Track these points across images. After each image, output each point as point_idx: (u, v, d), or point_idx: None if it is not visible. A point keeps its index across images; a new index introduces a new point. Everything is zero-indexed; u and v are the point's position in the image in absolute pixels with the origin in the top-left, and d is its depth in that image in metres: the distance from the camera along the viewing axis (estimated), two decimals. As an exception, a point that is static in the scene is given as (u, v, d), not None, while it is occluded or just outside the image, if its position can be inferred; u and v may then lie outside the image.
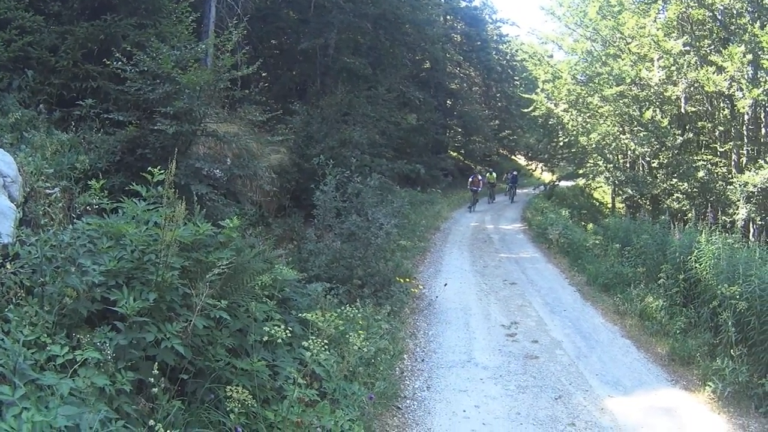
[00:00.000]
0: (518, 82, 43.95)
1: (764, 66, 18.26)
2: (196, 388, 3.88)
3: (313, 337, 3.95)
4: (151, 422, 2.99)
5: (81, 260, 3.77)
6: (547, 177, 42.96)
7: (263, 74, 16.17)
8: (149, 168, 4.18)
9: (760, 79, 18.91)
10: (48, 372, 3.00)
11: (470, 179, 25.99)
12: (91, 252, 3.92)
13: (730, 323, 7.29)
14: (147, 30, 9.39)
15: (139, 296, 3.55)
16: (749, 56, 18.42)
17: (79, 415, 2.82)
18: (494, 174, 32.26)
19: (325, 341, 4.12)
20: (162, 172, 4.07)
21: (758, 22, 18.75)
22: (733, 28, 20.80)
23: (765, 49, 18.05)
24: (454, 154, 41.10)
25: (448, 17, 37.46)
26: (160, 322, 3.61)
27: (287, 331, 4.01)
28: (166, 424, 3.16)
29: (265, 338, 4.06)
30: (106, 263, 3.75)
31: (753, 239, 14.83)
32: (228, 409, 3.59)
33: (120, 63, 8.05)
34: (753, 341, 7.13)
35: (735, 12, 20.80)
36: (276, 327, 3.99)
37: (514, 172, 34.65)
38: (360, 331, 6.16)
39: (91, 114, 8.28)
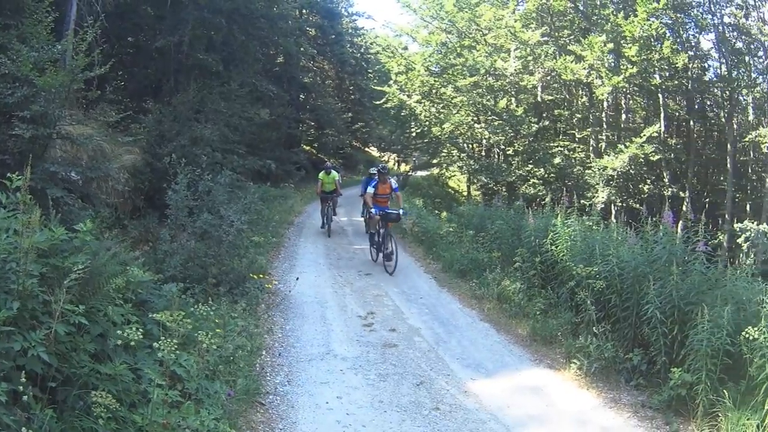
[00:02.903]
0: (372, 75, 44.55)
1: (626, 54, 19.62)
2: (66, 395, 3.86)
3: (163, 338, 4.00)
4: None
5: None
6: (401, 167, 43.90)
7: (120, 73, 15.66)
8: (8, 174, 4.11)
9: (622, 67, 20.33)
10: None
11: (368, 189, 13.72)
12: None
13: (589, 302, 7.69)
14: (10, 31, 8.94)
15: (3, 305, 3.51)
16: (610, 45, 19.68)
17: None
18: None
19: (179, 342, 4.18)
20: (20, 177, 4.03)
21: (622, 12, 20.05)
22: (595, 18, 22.08)
23: (627, 38, 19.41)
24: (308, 147, 41.09)
25: (304, 11, 37.36)
26: (25, 330, 3.58)
27: (141, 333, 4.01)
28: (40, 434, 3.19)
29: (124, 342, 4.05)
30: (-33, 274, 3.67)
31: (615, 220, 15.70)
32: (95, 414, 3.61)
33: (-19, 67, 7.67)
34: (616, 318, 7.52)
35: (598, 3, 22.13)
36: (129, 330, 3.99)
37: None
38: (217, 330, 6.31)
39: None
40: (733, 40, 21.25)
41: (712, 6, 20.76)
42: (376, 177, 14.07)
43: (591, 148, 23.13)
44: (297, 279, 10.96)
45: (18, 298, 3.64)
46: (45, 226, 4.34)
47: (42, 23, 9.28)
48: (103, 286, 4.51)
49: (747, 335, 5.38)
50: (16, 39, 8.49)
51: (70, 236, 4.49)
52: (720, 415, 5.50)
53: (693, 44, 22.22)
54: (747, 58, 21.27)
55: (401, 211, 13.34)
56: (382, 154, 52.61)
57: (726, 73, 21.38)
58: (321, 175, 18.15)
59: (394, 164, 47.44)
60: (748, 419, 5.21)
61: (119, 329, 4.16)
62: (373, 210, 13.39)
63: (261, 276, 10.21)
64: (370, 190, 13.54)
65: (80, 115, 11.20)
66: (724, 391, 5.50)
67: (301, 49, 33.31)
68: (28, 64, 7.86)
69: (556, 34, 23.51)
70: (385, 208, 13.44)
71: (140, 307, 5.38)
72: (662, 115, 23.04)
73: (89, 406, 3.74)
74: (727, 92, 21.48)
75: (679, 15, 20.98)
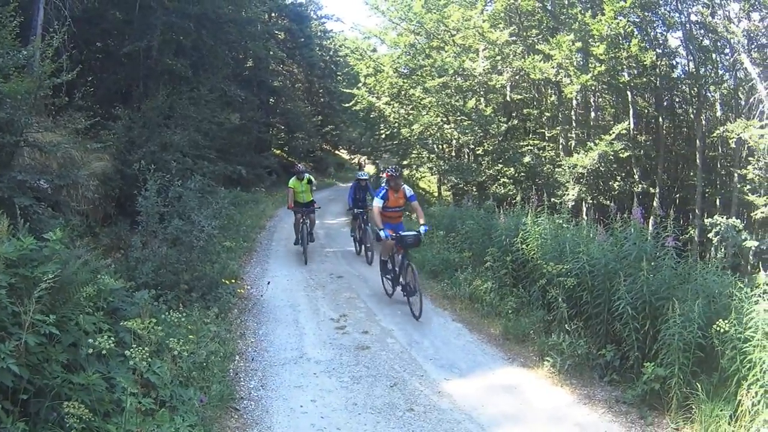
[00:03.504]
0: (341, 78, 44.57)
1: (594, 53, 19.81)
2: (39, 407, 3.84)
3: (135, 346, 4.00)
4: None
5: None
6: (371, 169, 43.91)
7: (89, 79, 15.44)
8: (-27, 185, 4.08)
9: (590, 65, 20.52)
10: None
11: (375, 200, 10.28)
12: None
13: (560, 299, 7.76)
14: (-27, 37, 8.81)
15: (-30, 318, 3.49)
16: (578, 44, 19.84)
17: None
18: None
19: (152, 349, 4.18)
20: (-14, 188, 4.00)
21: (590, 11, 20.24)
22: (563, 17, 22.24)
23: (595, 36, 19.60)
24: (278, 151, 41.04)
25: (273, 14, 37.30)
26: (-6, 343, 3.56)
27: (113, 342, 4.01)
28: (13, 448, 3.17)
29: (96, 351, 4.03)
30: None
31: (586, 218, 15.79)
32: (68, 426, 3.59)
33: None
34: (588, 315, 7.57)
35: (566, 2, 22.32)
36: (99, 339, 3.98)
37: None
38: (190, 336, 6.29)
39: None
40: (700, 38, 21.57)
41: (679, 4, 21.02)
42: (385, 184, 10.30)
43: (561, 146, 23.28)
44: (269, 283, 10.93)
45: (-13, 309, 3.61)
46: (13, 236, 4.30)
47: (6, 28, 9.16)
48: (74, 294, 4.49)
49: (718, 328, 5.49)
50: (-20, 45, 8.38)
51: (39, 245, 4.46)
52: (693, 407, 5.60)
53: (661, 42, 22.52)
54: (714, 56, 21.60)
55: (423, 230, 9.91)
56: (353, 156, 52.65)
57: (694, 70, 21.70)
58: (292, 182, 14.56)
59: (365, 165, 47.46)
60: (721, 410, 5.32)
61: (91, 338, 4.12)
62: (382, 233, 9.75)
63: (233, 281, 10.19)
64: (378, 202, 9.96)
65: (48, 122, 11.07)
66: (697, 383, 5.61)
67: (270, 52, 33.31)
68: (-8, 71, 7.78)
69: (525, 33, 23.66)
70: (399, 226, 10.47)
71: (112, 315, 5.36)
72: (631, 112, 23.27)
73: (62, 418, 3.72)
74: (695, 89, 21.78)
75: (646, 13, 21.23)
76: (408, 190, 10.41)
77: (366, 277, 12.33)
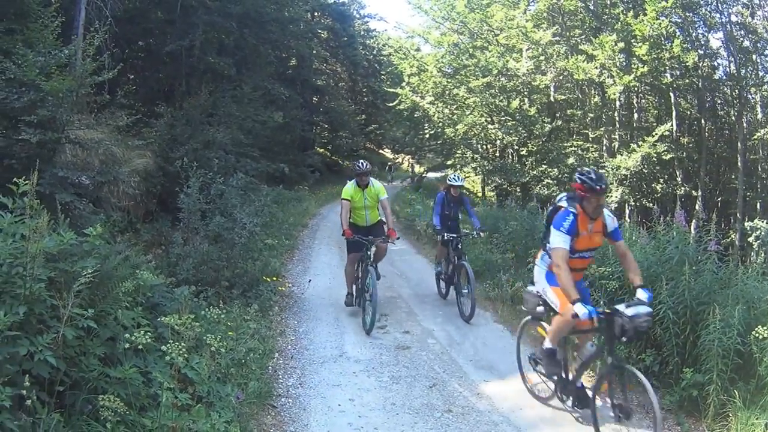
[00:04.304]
0: (384, 77, 44.65)
1: (636, 53, 19.53)
2: (74, 399, 3.85)
3: (171, 342, 3.99)
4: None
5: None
6: (415, 169, 43.89)
7: (131, 77, 15.72)
8: (14, 179, 4.11)
9: (633, 66, 20.23)
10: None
11: (567, 229, 5.38)
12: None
13: (602, 302, 7.44)
14: (15, 36, 8.98)
15: (9, 310, 3.50)
16: (621, 44, 19.59)
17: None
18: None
19: (190, 344, 4.17)
20: (27, 182, 4.02)
21: (632, 11, 19.97)
22: (605, 17, 22.01)
23: (638, 37, 19.31)
24: (321, 150, 41.29)
25: (315, 13, 37.53)
26: (31, 335, 3.57)
27: (151, 337, 4.02)
28: (47, 438, 3.18)
29: (133, 345, 4.03)
30: (-25, 279, 3.66)
31: (629, 220, 15.48)
32: (103, 418, 3.60)
33: (-14, 72, 7.69)
34: None
35: (609, 2, 22.05)
36: (136, 334, 3.98)
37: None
38: (229, 332, 6.29)
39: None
40: (741, 39, 21.12)
41: (719, 5, 20.61)
42: (571, 206, 5.57)
43: (604, 147, 23.08)
44: (309, 281, 10.92)
45: (25, 302, 3.62)
46: (54, 231, 4.33)
47: (48, 28, 9.31)
48: (113, 289, 4.50)
49: (757, 335, 5.31)
50: (22, 44, 8.52)
51: (79, 240, 4.48)
52: (730, 415, 5.43)
53: (702, 43, 22.12)
54: (754, 57, 21.15)
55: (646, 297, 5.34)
56: (396, 156, 52.68)
57: (735, 71, 21.25)
58: (348, 190, 9.21)
59: (408, 166, 47.35)
60: (757, 419, 5.15)
61: (129, 333, 4.14)
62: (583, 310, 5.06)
63: (274, 279, 10.24)
64: (563, 240, 5.43)
65: (90, 120, 11.23)
66: (735, 391, 5.44)
67: (314, 51, 33.47)
68: (34, 69, 7.87)
69: (568, 33, 23.47)
70: (580, 286, 5.84)
71: (152, 311, 5.38)
72: (674, 113, 22.94)
73: (97, 410, 3.73)
74: (737, 90, 21.38)
75: (688, 14, 20.86)
76: (610, 219, 5.67)
77: (409, 277, 12.35)
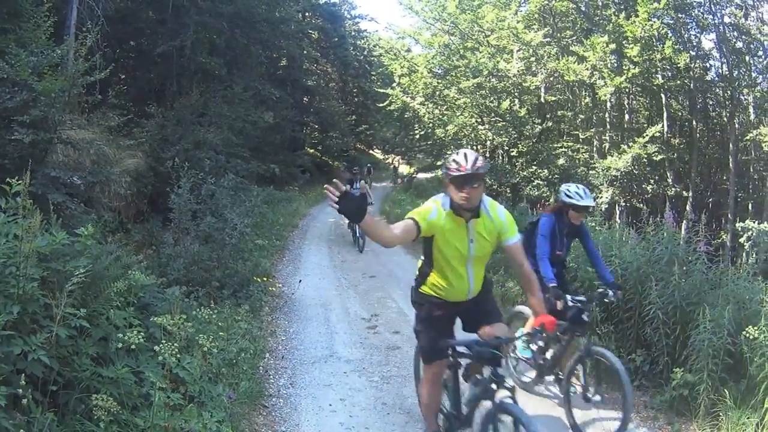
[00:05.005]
0: (375, 77, 44.62)
1: (628, 54, 19.60)
2: (68, 399, 3.86)
3: (163, 342, 3.99)
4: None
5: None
6: (405, 169, 43.90)
7: (122, 77, 15.70)
8: (7, 179, 4.12)
9: (624, 67, 20.31)
10: None
11: None
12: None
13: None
14: (8, 35, 8.96)
15: (3, 309, 3.52)
16: (612, 46, 19.67)
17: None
18: None
19: (181, 345, 4.17)
20: (20, 182, 4.03)
21: (623, 12, 20.06)
22: (597, 19, 22.08)
23: (629, 38, 19.39)
24: (312, 150, 41.27)
25: (307, 14, 37.51)
26: (25, 334, 3.58)
27: (143, 337, 4.01)
28: (41, 438, 3.20)
29: (125, 345, 4.02)
30: (-30, 280, 3.66)
31: (618, 221, 15.54)
32: (96, 417, 3.61)
33: (-21, 72, 7.67)
34: (619, 318, 7.36)
35: (600, 3, 22.13)
36: (129, 334, 3.98)
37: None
38: (220, 333, 6.31)
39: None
40: (734, 40, 21.24)
41: (712, 6, 20.73)
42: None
43: (595, 148, 23.15)
44: (300, 281, 10.94)
45: (18, 302, 3.64)
46: (46, 231, 4.34)
47: (41, 28, 9.30)
48: (105, 289, 4.51)
49: (747, 335, 5.35)
50: (14, 43, 8.50)
51: (71, 240, 4.49)
52: (721, 414, 5.47)
53: (694, 44, 22.20)
54: (747, 58, 21.25)
55: None
56: (386, 156, 52.69)
57: (727, 72, 21.36)
58: (432, 219, 4.39)
59: (398, 166, 47.40)
60: (748, 418, 5.20)
61: (121, 333, 4.13)
62: None
63: (265, 279, 10.24)
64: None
65: (82, 120, 11.22)
66: (725, 390, 5.49)
67: (304, 52, 33.44)
68: (27, 69, 7.86)
69: (559, 35, 23.53)
70: None
71: (143, 311, 5.38)
72: (665, 115, 23.03)
73: (90, 410, 3.73)
74: (729, 92, 21.46)
75: (680, 15, 20.94)
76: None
77: (399, 277, 12.19)
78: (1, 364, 3.40)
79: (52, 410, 3.65)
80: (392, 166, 43.50)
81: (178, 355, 4.13)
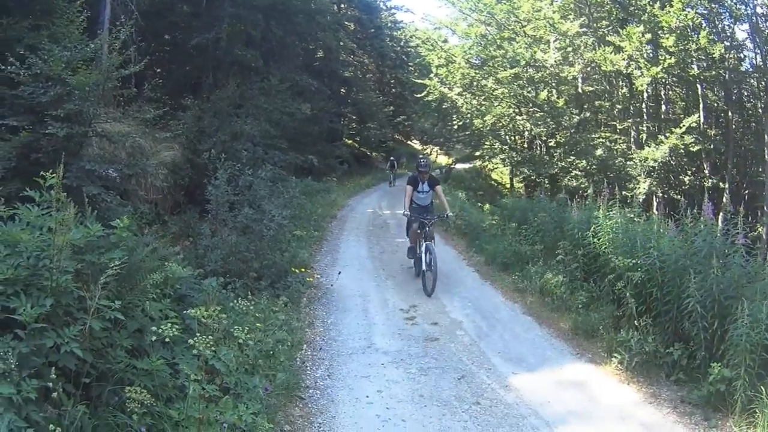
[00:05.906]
0: (412, 68, 44.54)
1: (663, 45, 19.21)
2: (101, 391, 3.86)
3: (199, 334, 3.96)
4: (56, 429, 2.98)
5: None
6: (443, 160, 43.77)
7: (157, 70, 15.83)
8: (42, 172, 4.12)
9: (660, 57, 19.91)
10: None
11: None
12: (-12, 261, 3.81)
13: (628, 294, 7.48)
14: (41, 32, 9.04)
15: (36, 302, 3.51)
16: (648, 35, 19.29)
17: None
18: None
19: (217, 336, 4.14)
20: (54, 176, 4.03)
21: (658, 2, 19.65)
22: (632, 9, 21.65)
23: (664, 28, 19.00)
24: (350, 141, 41.33)
25: (342, 5, 37.48)
26: (58, 327, 3.57)
27: (178, 329, 4.00)
28: (73, 430, 3.18)
29: (161, 337, 4.00)
30: (3, 272, 3.64)
31: (656, 212, 15.34)
32: (129, 410, 3.60)
33: (14, 67, 7.71)
34: (657, 312, 7.31)
35: (635, -8, 21.70)
36: (163, 326, 3.96)
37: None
38: (257, 324, 6.28)
39: (-14, 121, 7.94)
40: (766, 30, 20.59)
41: (744, -5, 20.13)
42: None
43: (632, 139, 22.75)
44: (339, 273, 10.92)
45: (51, 294, 3.63)
46: (81, 223, 4.34)
47: (74, 23, 9.36)
48: (140, 281, 4.51)
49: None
50: (47, 39, 8.55)
51: (106, 232, 4.48)
52: (757, 411, 5.31)
53: (728, 34, 21.60)
54: (780, 48, 20.59)
55: None
56: (425, 147, 52.49)
57: (761, 63, 20.75)
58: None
59: (436, 157, 47.18)
60: (784, 415, 5.04)
61: (156, 325, 4.12)
62: None
63: (303, 270, 10.22)
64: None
65: (117, 113, 11.31)
66: (762, 387, 5.33)
67: (341, 43, 33.45)
68: (60, 64, 7.89)
69: (595, 24, 23.14)
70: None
71: (180, 303, 5.39)
72: (701, 105, 22.50)
73: (124, 402, 3.73)
74: (763, 83, 20.86)
75: (713, 5, 20.39)
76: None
77: (438, 267, 12.09)
78: (33, 356, 3.40)
79: (84, 402, 3.64)
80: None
81: (214, 348, 4.09)
